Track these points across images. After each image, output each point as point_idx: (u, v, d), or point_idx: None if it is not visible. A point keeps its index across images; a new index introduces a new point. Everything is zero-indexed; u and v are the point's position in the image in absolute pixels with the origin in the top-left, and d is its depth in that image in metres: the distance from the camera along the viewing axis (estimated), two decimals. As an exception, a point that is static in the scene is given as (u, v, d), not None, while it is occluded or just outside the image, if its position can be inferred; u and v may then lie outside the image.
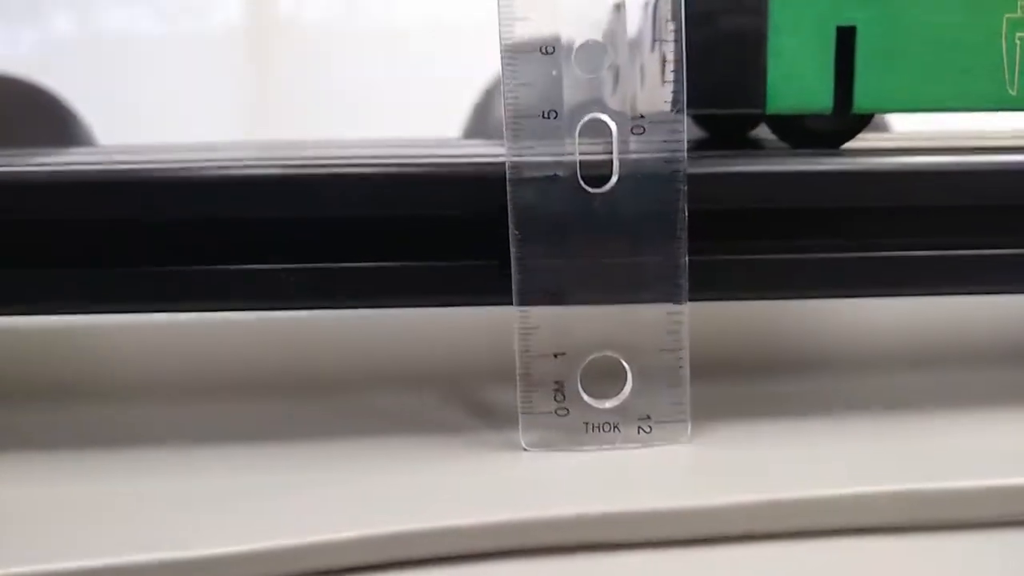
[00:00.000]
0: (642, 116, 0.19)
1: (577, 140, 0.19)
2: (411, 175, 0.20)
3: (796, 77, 0.21)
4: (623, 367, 0.20)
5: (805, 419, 0.22)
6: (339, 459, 0.21)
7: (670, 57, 0.19)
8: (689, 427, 0.21)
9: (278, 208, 0.20)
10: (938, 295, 0.22)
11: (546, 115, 0.19)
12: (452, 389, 0.25)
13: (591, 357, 0.20)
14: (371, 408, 0.24)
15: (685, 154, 0.19)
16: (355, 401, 0.24)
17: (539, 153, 0.19)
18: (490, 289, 0.21)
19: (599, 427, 0.21)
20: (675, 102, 0.19)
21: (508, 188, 0.20)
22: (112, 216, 0.20)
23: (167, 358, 0.29)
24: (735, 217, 0.21)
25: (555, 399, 0.21)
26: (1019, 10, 0.21)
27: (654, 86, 0.19)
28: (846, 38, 0.21)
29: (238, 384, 0.26)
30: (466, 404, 0.24)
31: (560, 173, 0.20)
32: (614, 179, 0.20)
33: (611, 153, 0.20)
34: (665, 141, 0.19)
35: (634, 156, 0.20)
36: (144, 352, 0.30)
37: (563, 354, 0.20)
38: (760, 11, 0.21)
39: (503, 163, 0.20)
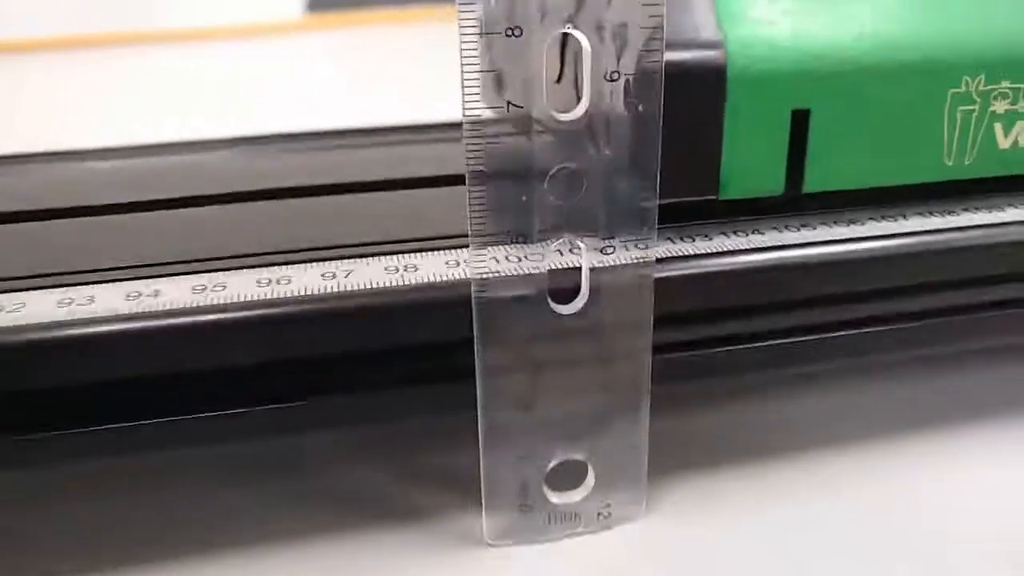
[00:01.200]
0: (612, 236, 0.19)
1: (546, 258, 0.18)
2: (368, 310, 0.19)
3: (750, 162, 0.20)
4: (586, 465, 0.21)
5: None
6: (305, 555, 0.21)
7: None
8: (644, 503, 0.22)
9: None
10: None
11: (514, 239, 0.18)
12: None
13: (556, 460, 0.20)
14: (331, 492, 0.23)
15: (653, 266, 0.19)
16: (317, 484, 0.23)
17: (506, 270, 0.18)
18: (456, 403, 0.20)
19: (561, 517, 0.21)
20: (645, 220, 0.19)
21: (474, 308, 0.19)
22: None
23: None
24: (696, 316, 0.20)
25: (519, 496, 0.21)
26: (963, 85, 0.21)
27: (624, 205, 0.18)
28: (801, 121, 0.20)
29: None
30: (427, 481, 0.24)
31: (528, 292, 0.19)
32: (583, 297, 0.19)
33: (579, 269, 0.19)
34: (636, 257, 0.19)
35: (605, 272, 0.19)
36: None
37: (528, 457, 0.20)
38: (715, 99, 0.20)
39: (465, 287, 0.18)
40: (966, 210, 0.23)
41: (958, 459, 0.24)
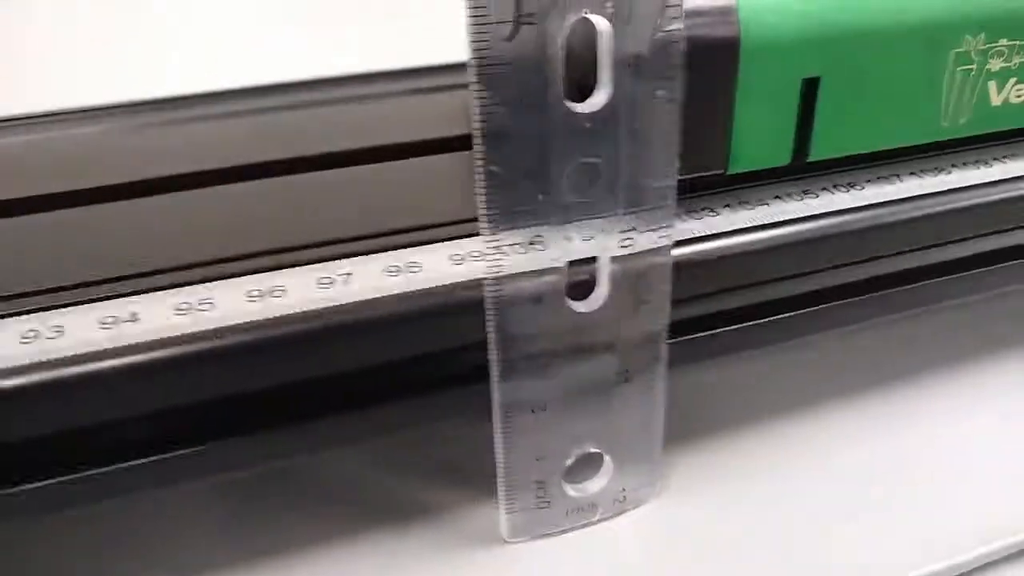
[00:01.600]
0: (632, 228, 0.18)
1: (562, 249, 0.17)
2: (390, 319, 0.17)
3: (760, 134, 0.20)
4: (601, 456, 0.20)
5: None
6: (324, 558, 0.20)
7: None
8: (658, 483, 0.21)
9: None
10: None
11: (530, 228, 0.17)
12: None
13: (572, 457, 0.20)
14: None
15: (671, 251, 0.18)
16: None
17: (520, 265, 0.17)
18: (473, 409, 0.19)
19: (578, 508, 0.21)
20: (663, 206, 0.18)
21: (488, 308, 0.17)
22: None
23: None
24: (710, 295, 0.20)
25: (536, 495, 0.20)
26: (964, 45, 0.20)
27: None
28: (810, 89, 0.19)
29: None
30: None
31: (545, 289, 0.18)
32: (602, 293, 0.18)
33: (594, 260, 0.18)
34: (654, 244, 0.18)
35: (622, 261, 0.18)
36: None
37: (545, 457, 0.20)
38: (728, 71, 0.18)
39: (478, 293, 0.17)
40: (955, 167, 0.22)
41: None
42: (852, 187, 0.21)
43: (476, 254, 0.19)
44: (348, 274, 0.18)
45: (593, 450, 0.20)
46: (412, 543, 0.21)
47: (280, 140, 0.24)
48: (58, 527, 0.21)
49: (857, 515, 0.21)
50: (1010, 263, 0.23)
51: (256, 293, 0.18)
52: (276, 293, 0.18)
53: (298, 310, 0.17)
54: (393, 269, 0.18)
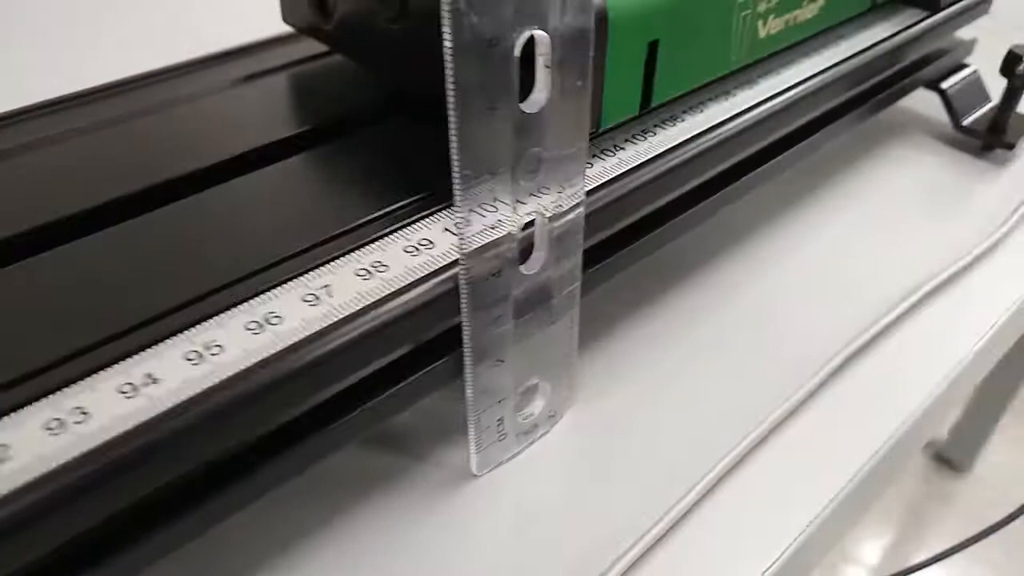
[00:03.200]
0: (561, 191, 0.21)
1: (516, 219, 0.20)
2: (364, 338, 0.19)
3: (620, 93, 0.23)
4: (537, 385, 0.24)
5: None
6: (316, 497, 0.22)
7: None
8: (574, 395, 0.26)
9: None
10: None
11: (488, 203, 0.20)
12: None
13: (521, 392, 0.23)
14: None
15: (584, 204, 0.22)
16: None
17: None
18: (445, 380, 0.22)
19: (525, 433, 0.24)
20: (579, 169, 0.21)
21: (463, 295, 0.20)
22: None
23: None
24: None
25: (498, 431, 0.23)
26: (743, -6, 0.25)
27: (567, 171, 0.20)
28: (653, 50, 0.23)
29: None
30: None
31: (503, 267, 0.20)
32: (542, 254, 0.21)
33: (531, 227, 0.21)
34: (574, 202, 0.21)
35: (551, 220, 0.21)
36: None
37: (503, 399, 0.23)
38: (602, 45, 0.22)
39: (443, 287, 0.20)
40: (737, 90, 0.28)
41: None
42: (676, 121, 0.26)
43: (426, 243, 0.21)
44: (327, 286, 0.20)
45: (534, 381, 0.24)
46: (402, 496, 0.23)
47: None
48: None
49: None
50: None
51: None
52: (270, 324, 0.19)
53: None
54: (363, 273, 0.20)
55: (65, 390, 0.17)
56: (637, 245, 0.26)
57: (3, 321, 0.18)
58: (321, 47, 0.28)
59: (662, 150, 0.25)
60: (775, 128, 0.29)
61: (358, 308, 0.19)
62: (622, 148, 0.25)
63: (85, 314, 0.18)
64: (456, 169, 0.18)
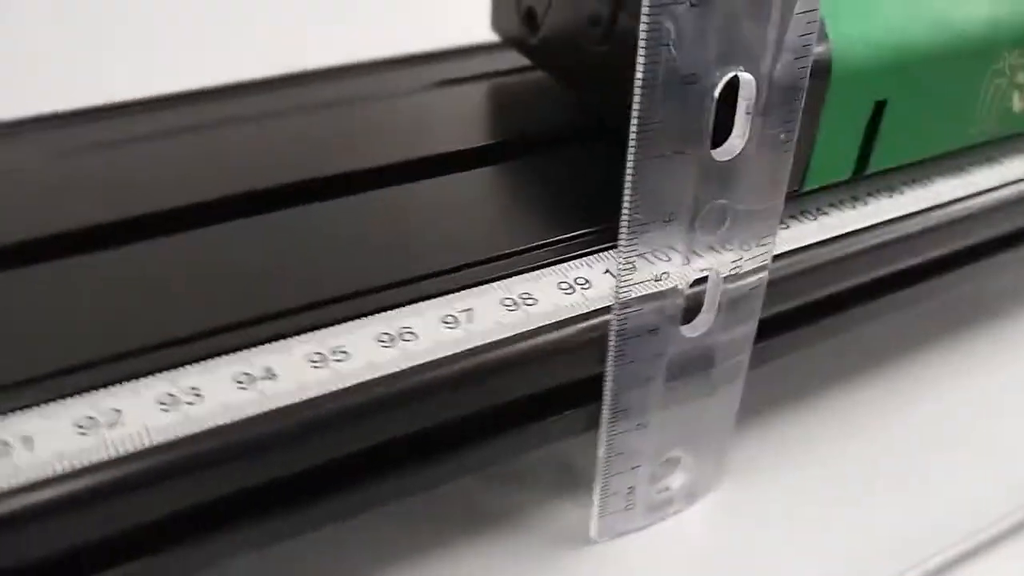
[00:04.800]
0: (741, 257, 0.18)
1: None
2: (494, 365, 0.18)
3: (833, 153, 0.21)
4: (680, 459, 0.22)
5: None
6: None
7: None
8: (721, 475, 0.23)
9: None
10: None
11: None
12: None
13: (660, 463, 0.21)
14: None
15: (768, 272, 0.19)
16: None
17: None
18: (581, 429, 0.20)
19: (657, 506, 0.22)
20: (769, 233, 0.19)
21: (611, 346, 0.18)
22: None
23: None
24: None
25: (626, 499, 0.21)
26: (1000, 60, 0.22)
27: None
28: (879, 110, 0.21)
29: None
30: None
31: (661, 324, 0.18)
32: (710, 318, 0.19)
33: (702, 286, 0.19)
34: (756, 267, 0.19)
35: (727, 281, 0.19)
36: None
37: (639, 466, 0.21)
38: (818, 97, 0.19)
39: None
40: (972, 166, 0.24)
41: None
42: (893, 192, 0.23)
43: (583, 282, 0.19)
44: (468, 310, 0.18)
45: (676, 454, 0.21)
46: (508, 543, 0.22)
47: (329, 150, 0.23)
48: None
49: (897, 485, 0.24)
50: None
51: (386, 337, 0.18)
52: (405, 338, 0.18)
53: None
54: (509, 303, 0.19)
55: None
56: (826, 323, 0.23)
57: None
58: (524, 61, 0.27)
59: (875, 222, 0.22)
60: (1016, 215, 0.25)
61: (494, 340, 0.18)
62: (825, 213, 0.22)
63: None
64: (626, 211, 0.16)
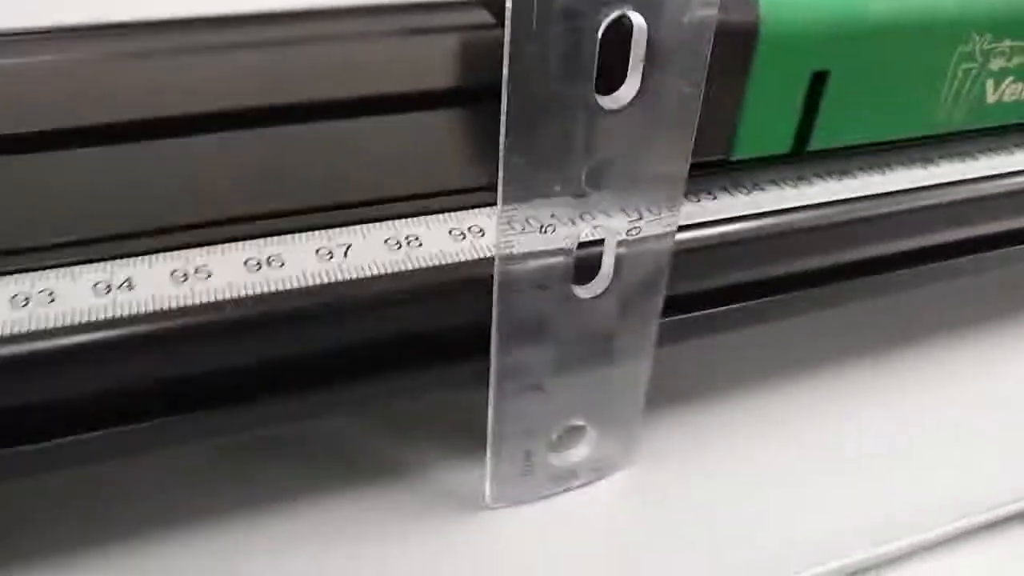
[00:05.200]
0: (639, 217, 0.18)
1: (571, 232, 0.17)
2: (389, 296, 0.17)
3: (765, 123, 0.20)
4: (585, 429, 0.21)
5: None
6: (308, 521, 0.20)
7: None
8: (632, 453, 0.22)
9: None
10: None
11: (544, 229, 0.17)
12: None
13: (560, 429, 0.20)
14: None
15: (673, 238, 0.18)
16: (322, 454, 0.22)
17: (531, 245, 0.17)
18: (468, 383, 0.19)
19: (558, 475, 0.21)
20: (673, 195, 0.18)
21: (495, 299, 0.17)
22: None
23: None
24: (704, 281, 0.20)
25: (523, 464, 0.21)
26: (970, 44, 0.20)
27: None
28: (819, 82, 0.19)
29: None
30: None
31: (551, 281, 0.18)
32: (605, 279, 0.18)
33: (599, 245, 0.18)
34: (659, 232, 0.18)
35: (626, 246, 0.18)
36: None
37: (534, 430, 0.20)
38: (743, 60, 0.18)
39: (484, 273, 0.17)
40: (943, 159, 0.23)
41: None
42: (844, 175, 0.22)
43: (477, 230, 0.19)
44: (345, 247, 0.18)
45: (578, 423, 0.20)
46: (397, 500, 0.21)
47: (276, 81, 0.23)
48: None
49: (821, 485, 0.22)
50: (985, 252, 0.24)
51: (255, 263, 0.17)
52: (273, 263, 0.17)
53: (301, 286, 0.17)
54: (394, 244, 0.18)
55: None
56: (754, 307, 0.21)
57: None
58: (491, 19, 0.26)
59: (810, 203, 0.21)
60: (989, 215, 0.23)
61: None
62: (761, 189, 0.21)
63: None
64: (502, 151, 0.16)
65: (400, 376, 0.19)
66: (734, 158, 0.20)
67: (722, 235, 0.20)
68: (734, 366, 0.25)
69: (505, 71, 0.15)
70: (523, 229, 0.17)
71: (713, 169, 0.21)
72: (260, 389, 0.18)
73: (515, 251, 0.17)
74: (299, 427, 0.22)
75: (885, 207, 0.21)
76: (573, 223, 0.17)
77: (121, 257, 0.17)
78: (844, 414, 0.24)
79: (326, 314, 0.17)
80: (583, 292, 0.18)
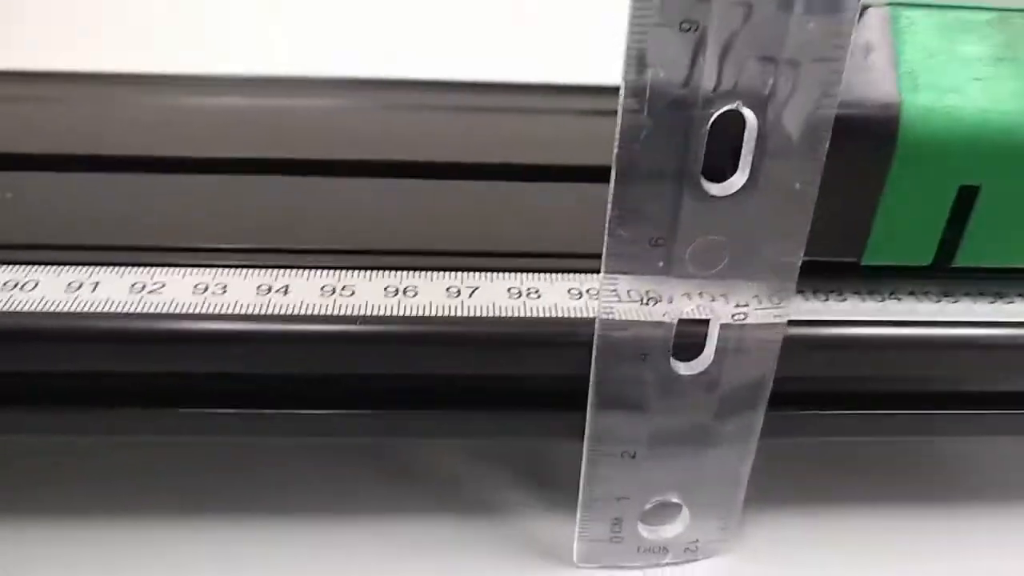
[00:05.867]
0: (745, 304, 0.18)
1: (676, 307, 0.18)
2: (487, 338, 0.19)
3: (903, 231, 0.19)
4: (680, 507, 0.21)
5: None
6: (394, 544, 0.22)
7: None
8: (732, 538, 0.22)
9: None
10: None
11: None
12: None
13: (653, 503, 0.21)
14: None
15: (783, 330, 0.18)
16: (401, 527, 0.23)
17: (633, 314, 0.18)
18: (565, 435, 0.20)
19: (650, 548, 0.22)
20: (782, 287, 0.18)
21: (594, 359, 0.18)
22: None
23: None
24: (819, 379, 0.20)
25: (612, 530, 0.21)
26: None
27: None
28: (967, 197, 0.19)
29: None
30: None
31: (652, 345, 0.18)
32: (707, 359, 0.19)
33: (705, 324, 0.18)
34: (767, 320, 0.18)
35: (732, 330, 0.18)
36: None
37: (626, 498, 0.21)
38: (880, 164, 0.18)
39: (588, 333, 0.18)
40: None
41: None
42: (1000, 298, 0.21)
43: (594, 292, 0.20)
44: (472, 290, 0.20)
45: (673, 499, 0.21)
46: (485, 546, 0.22)
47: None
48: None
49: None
50: None
51: (393, 291, 0.20)
52: (408, 292, 0.20)
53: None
54: (514, 292, 0.20)
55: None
56: (870, 417, 0.21)
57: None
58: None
59: (953, 319, 0.20)
60: None
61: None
62: (896, 298, 0.20)
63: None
64: (608, 225, 0.17)
65: (502, 415, 0.20)
66: (866, 263, 0.20)
67: (835, 336, 0.19)
68: (876, 478, 0.24)
69: (616, 148, 0.16)
70: (623, 299, 0.18)
71: (848, 271, 0.20)
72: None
73: (614, 317, 0.18)
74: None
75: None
76: (675, 300, 0.18)
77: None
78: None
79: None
80: (684, 369, 0.19)
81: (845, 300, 0.20)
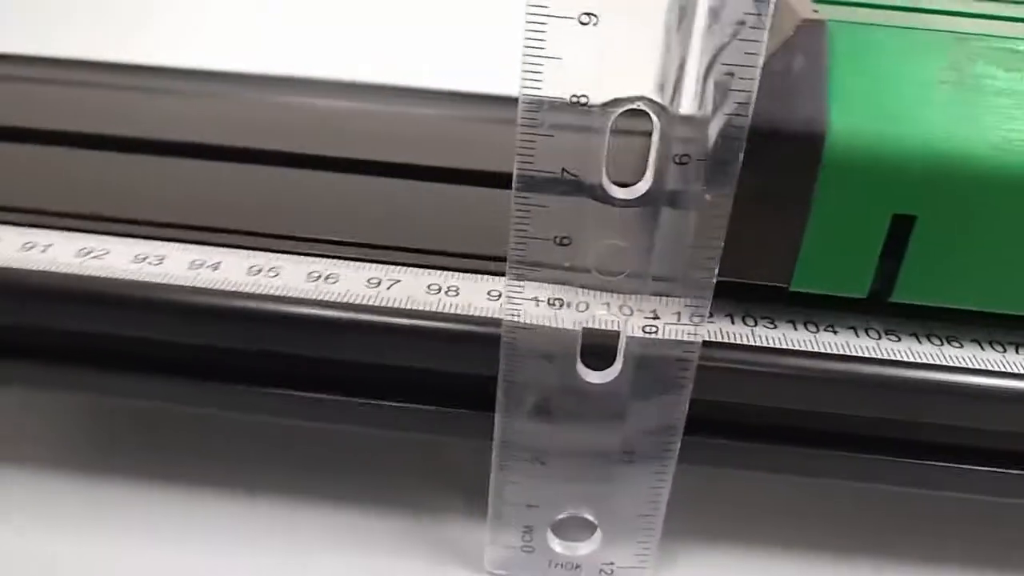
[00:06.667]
0: (656, 317, 0.18)
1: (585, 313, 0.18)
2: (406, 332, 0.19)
3: (833, 258, 0.19)
4: (594, 525, 0.20)
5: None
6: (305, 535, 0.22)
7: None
8: (652, 568, 0.21)
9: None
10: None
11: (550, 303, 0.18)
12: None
13: (564, 514, 0.20)
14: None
15: (698, 349, 0.18)
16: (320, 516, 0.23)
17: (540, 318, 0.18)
18: (475, 433, 0.20)
19: (562, 564, 0.21)
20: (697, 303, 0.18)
21: (501, 358, 0.18)
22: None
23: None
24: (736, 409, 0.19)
25: (523, 538, 0.21)
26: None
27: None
28: (901, 226, 0.18)
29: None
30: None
31: (558, 350, 0.18)
32: (615, 371, 0.18)
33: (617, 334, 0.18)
34: (681, 337, 0.18)
35: (644, 344, 0.18)
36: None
37: (536, 507, 0.20)
38: (803, 186, 0.18)
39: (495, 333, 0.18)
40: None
41: None
42: (944, 342, 0.20)
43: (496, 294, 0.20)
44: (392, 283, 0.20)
45: (586, 515, 0.20)
46: (397, 543, 0.22)
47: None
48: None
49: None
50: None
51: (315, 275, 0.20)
52: (330, 279, 0.20)
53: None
54: (434, 288, 0.20)
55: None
56: (788, 453, 0.20)
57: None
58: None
59: (877, 357, 0.19)
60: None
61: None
62: (833, 331, 0.20)
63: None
64: (514, 219, 0.17)
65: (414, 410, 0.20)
66: (795, 288, 0.19)
67: (750, 362, 0.19)
68: (782, 520, 0.23)
69: (517, 147, 0.16)
70: (527, 296, 0.18)
71: (785, 299, 0.20)
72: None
73: (519, 319, 0.18)
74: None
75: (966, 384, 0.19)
76: (585, 307, 0.18)
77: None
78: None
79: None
80: (593, 377, 0.19)
81: (775, 328, 0.20)
